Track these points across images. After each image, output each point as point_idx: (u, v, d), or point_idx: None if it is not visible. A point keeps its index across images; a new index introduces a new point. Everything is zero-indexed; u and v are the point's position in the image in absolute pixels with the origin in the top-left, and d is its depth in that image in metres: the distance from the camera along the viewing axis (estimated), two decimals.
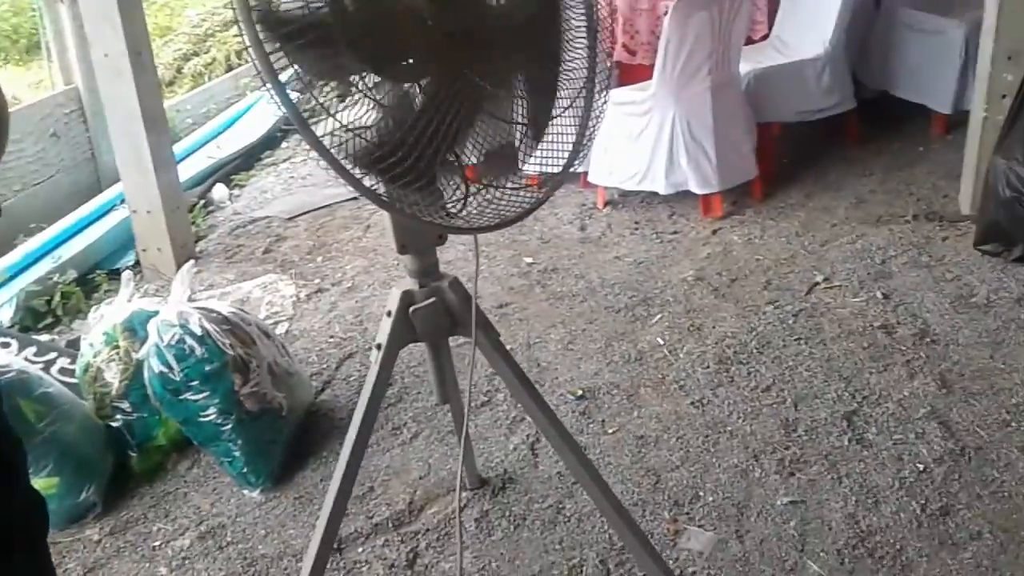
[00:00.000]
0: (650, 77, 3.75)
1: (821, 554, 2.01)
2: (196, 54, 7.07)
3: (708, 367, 2.73)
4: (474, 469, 2.35)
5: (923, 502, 2.12)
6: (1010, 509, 2.07)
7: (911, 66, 4.34)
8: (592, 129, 1.67)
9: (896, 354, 2.68)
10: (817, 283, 3.14)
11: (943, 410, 2.42)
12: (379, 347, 1.73)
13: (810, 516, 2.12)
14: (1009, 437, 2.29)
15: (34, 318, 3.35)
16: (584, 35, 1.65)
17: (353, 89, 1.45)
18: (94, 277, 3.68)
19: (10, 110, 1.15)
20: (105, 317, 2.55)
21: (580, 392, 2.68)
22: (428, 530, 2.22)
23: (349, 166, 1.40)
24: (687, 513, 2.18)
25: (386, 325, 1.72)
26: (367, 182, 1.41)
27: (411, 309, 1.69)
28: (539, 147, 1.65)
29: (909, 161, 4.08)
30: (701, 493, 2.24)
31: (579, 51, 1.65)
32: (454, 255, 3.56)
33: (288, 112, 1.32)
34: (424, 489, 2.36)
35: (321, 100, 1.36)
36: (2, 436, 1.18)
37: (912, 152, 4.17)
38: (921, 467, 2.23)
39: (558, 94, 1.64)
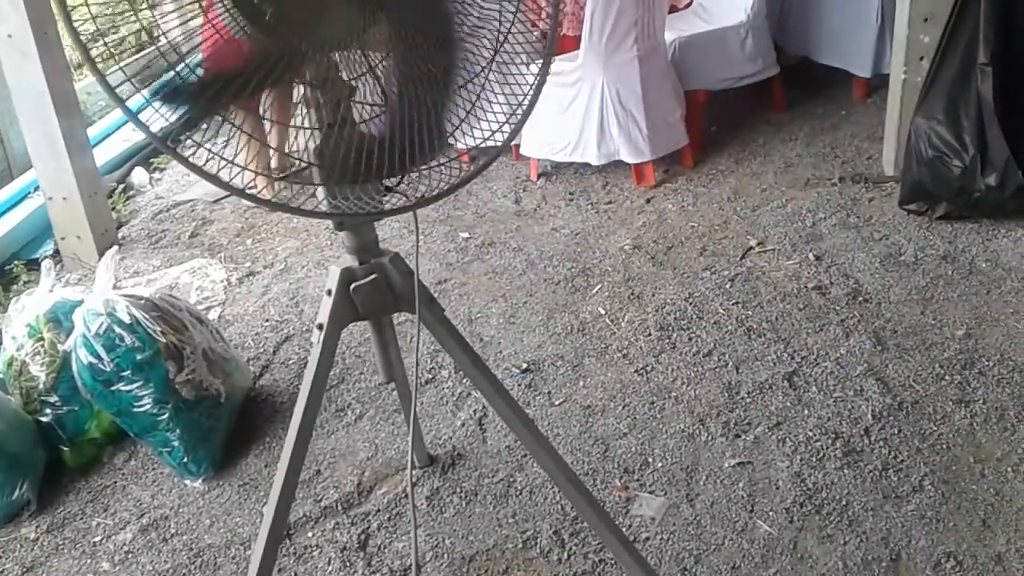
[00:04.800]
0: (577, 48, 3.74)
1: (770, 513, 2.04)
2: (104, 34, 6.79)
3: (650, 335, 2.75)
4: (422, 447, 2.33)
5: (865, 458, 2.17)
6: (949, 460, 2.13)
7: (830, 31, 4.42)
8: (525, 104, 1.63)
9: (831, 314, 2.74)
10: (751, 248, 3.19)
11: (879, 367, 2.48)
12: (320, 327, 1.67)
13: (758, 477, 2.15)
14: (944, 390, 2.36)
15: None
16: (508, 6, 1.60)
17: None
18: (12, 268, 3.53)
19: None
20: (27, 308, 2.44)
21: (525, 365, 2.67)
22: (379, 511, 2.18)
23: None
24: (637, 480, 2.20)
25: (327, 304, 1.67)
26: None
27: (352, 286, 1.64)
28: (471, 122, 1.61)
29: (832, 125, 4.16)
30: (650, 459, 2.26)
31: (485, 23, 1.60)
32: (388, 232, 3.51)
33: (154, 140, 1.29)
34: (372, 470, 2.32)
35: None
36: None
37: (835, 116, 4.25)
38: (862, 423, 2.28)
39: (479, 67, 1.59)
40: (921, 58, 3.29)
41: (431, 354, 2.70)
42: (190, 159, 1.31)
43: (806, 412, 2.34)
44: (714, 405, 2.41)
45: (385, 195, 1.52)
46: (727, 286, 2.96)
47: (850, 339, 2.61)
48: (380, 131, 1.49)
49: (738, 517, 2.05)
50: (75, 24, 1.24)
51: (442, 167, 1.56)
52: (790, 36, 4.60)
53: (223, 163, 1.36)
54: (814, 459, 2.18)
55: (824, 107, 4.35)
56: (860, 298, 2.81)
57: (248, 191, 1.40)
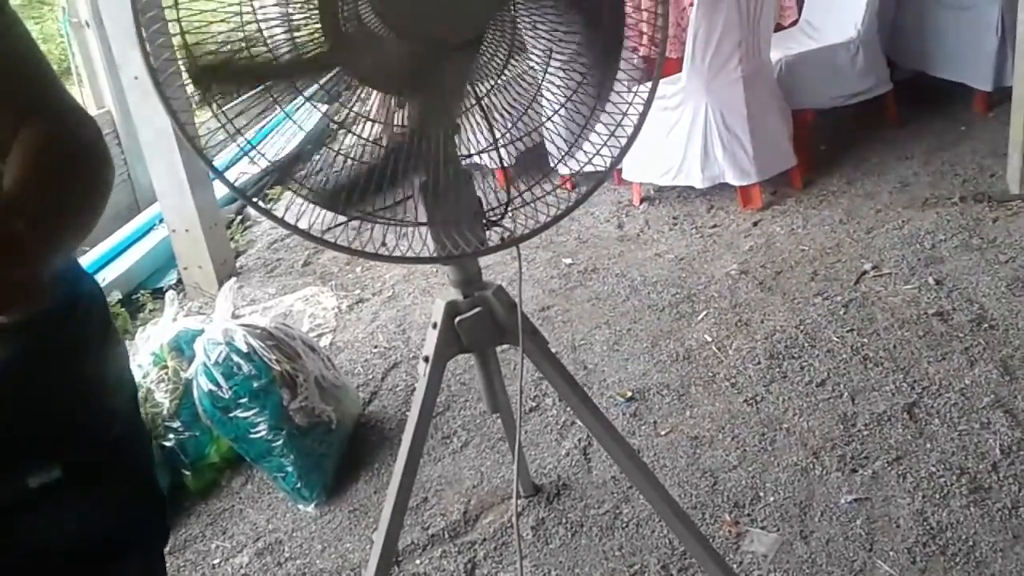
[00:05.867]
0: (678, 70, 3.70)
1: (891, 553, 1.95)
2: None
3: (759, 363, 2.68)
4: (527, 476, 2.33)
5: (994, 495, 2.05)
6: None
7: (946, 44, 4.24)
8: (629, 128, 1.62)
9: (954, 341, 2.61)
10: (866, 272, 3.08)
11: (1008, 398, 2.35)
12: (426, 360, 1.70)
13: (876, 514, 2.06)
14: None
15: None
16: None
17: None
18: (138, 297, 3.71)
19: None
20: (152, 337, 2.56)
21: (629, 394, 2.64)
22: (485, 539, 2.19)
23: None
24: (748, 515, 2.14)
25: (432, 337, 1.69)
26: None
27: (457, 320, 1.65)
28: (573, 147, 1.62)
29: (951, 141, 3.99)
30: (761, 493, 2.19)
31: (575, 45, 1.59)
32: (491, 259, 3.53)
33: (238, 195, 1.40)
34: (478, 498, 2.34)
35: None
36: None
37: (954, 132, 4.07)
38: (989, 458, 2.16)
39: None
40: None
41: (535, 382, 2.70)
42: (271, 210, 1.39)
43: (928, 446, 2.24)
44: (829, 437, 2.33)
45: (484, 235, 1.53)
46: (841, 312, 2.86)
47: (975, 368, 2.48)
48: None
49: (856, 556, 1.97)
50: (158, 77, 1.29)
51: (545, 198, 1.57)
52: (903, 50, 4.45)
53: (308, 208, 1.43)
54: (937, 496, 2.08)
55: (942, 123, 4.18)
56: (985, 324, 2.67)
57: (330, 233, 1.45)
